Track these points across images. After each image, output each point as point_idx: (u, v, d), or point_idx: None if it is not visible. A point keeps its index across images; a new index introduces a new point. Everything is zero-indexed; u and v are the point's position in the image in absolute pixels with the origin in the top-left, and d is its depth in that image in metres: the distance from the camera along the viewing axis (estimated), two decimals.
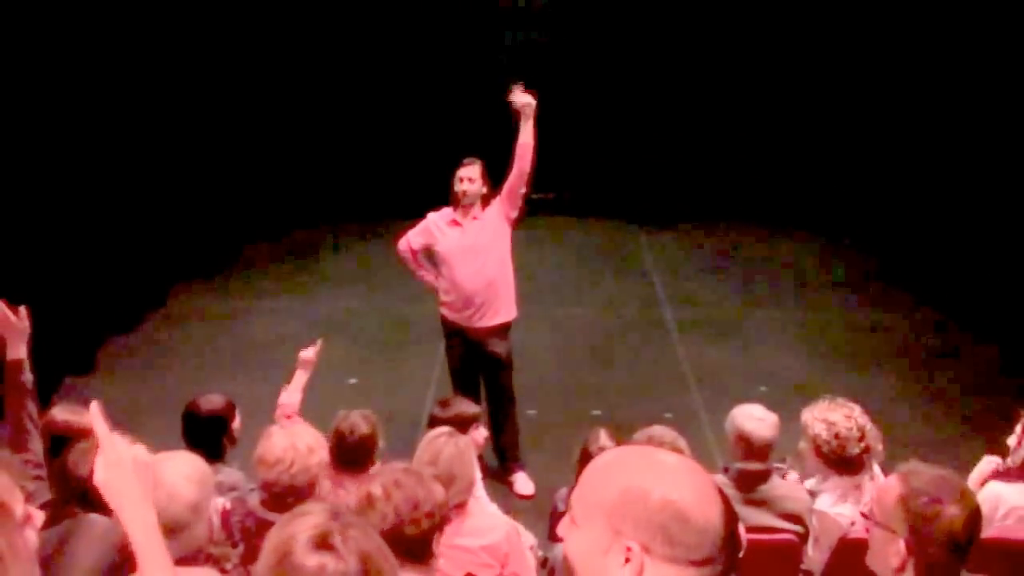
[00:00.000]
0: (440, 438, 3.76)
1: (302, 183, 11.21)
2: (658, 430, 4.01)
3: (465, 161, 6.15)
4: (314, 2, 11.12)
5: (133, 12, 8.49)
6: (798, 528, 4.07)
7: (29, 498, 1.71)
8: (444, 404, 4.93)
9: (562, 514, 3.25)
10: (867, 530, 2.56)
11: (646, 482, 1.52)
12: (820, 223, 11.10)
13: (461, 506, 3.61)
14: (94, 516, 3.38)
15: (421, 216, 6.37)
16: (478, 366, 6.34)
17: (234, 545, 3.46)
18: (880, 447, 4.16)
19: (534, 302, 9.52)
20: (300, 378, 4.89)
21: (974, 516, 2.42)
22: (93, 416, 2.02)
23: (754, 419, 4.24)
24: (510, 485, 6.33)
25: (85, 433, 3.82)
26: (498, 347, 6.25)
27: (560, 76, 11.85)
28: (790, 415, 4.32)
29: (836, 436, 4.03)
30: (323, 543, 1.82)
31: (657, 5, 11.45)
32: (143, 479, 1.99)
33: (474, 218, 6.11)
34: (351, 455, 4.18)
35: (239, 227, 10.56)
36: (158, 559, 1.93)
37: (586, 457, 4.40)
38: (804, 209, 11.21)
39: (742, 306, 9.47)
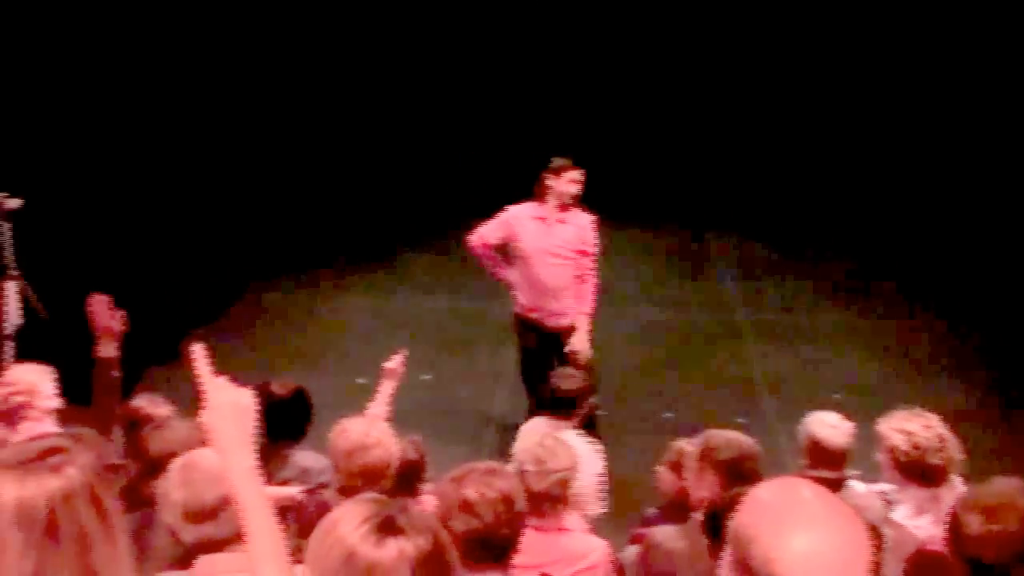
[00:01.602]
0: (540, 430, 3.79)
1: (384, 182, 11.33)
2: (730, 432, 3.93)
3: (570, 164, 6.25)
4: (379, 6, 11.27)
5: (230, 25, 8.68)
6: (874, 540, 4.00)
7: (115, 472, 1.79)
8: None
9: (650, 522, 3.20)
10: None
11: (758, 529, 1.47)
12: (897, 226, 10.91)
13: (556, 500, 3.58)
14: None
15: (487, 215, 6.42)
16: (552, 359, 6.36)
17: (305, 536, 3.52)
18: (960, 457, 4.06)
19: (605, 303, 9.51)
20: (386, 389, 4.92)
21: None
22: (197, 359, 2.06)
23: (828, 426, 4.18)
24: None
25: (161, 422, 3.95)
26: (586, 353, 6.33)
27: (632, 76, 11.85)
28: (864, 423, 4.25)
29: (915, 446, 3.89)
30: (390, 527, 1.76)
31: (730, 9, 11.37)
32: (244, 423, 2.02)
33: (560, 221, 6.13)
34: (401, 481, 4.19)
35: (322, 223, 10.70)
36: (255, 501, 1.94)
37: (675, 467, 4.39)
38: (881, 212, 11.03)
39: (816, 311, 9.34)
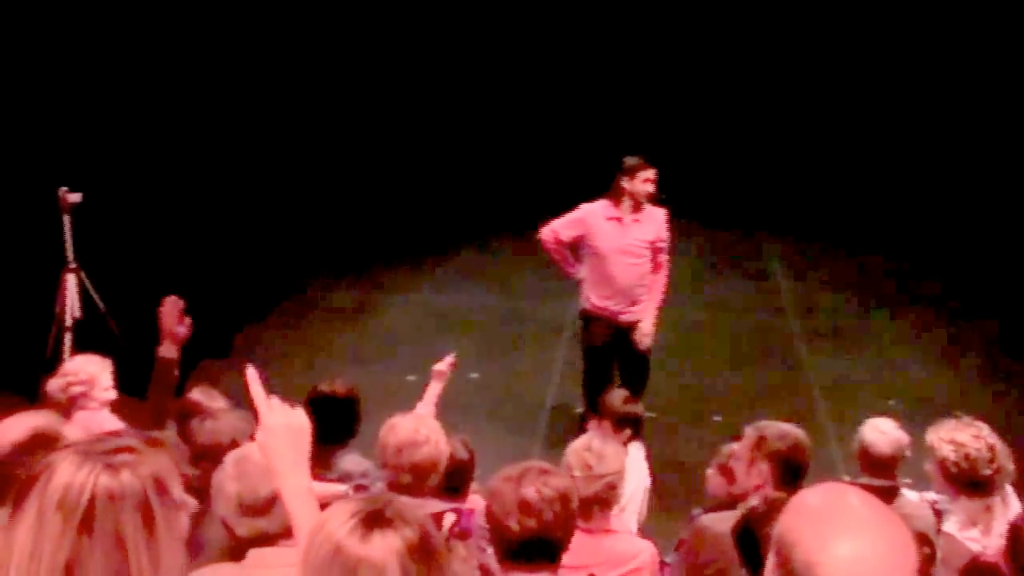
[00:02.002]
0: (590, 435, 3.81)
1: (437, 180, 11.38)
2: (783, 424, 3.91)
3: (646, 163, 6.29)
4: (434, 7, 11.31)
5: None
6: (925, 550, 3.94)
7: (187, 482, 1.79)
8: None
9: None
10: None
11: (802, 534, 1.46)
12: (954, 232, 10.73)
13: (604, 503, 3.59)
14: None
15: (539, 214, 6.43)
16: (619, 353, 6.48)
17: None
18: (1012, 467, 3.97)
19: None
20: (434, 390, 4.93)
21: None
22: (250, 381, 2.12)
23: (881, 433, 4.14)
24: None
25: (212, 413, 4.00)
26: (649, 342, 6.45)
27: (689, 79, 11.80)
28: (918, 430, 4.18)
29: (966, 457, 3.81)
30: (377, 521, 1.74)
31: (791, 11, 11.27)
32: (299, 444, 2.07)
33: (636, 220, 6.20)
34: (450, 480, 4.21)
35: (374, 221, 10.78)
36: (307, 520, 1.94)
37: (724, 470, 4.38)
38: (935, 219, 10.87)
39: (870, 316, 9.21)
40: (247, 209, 8.43)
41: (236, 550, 2.55)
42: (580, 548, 3.00)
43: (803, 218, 11.31)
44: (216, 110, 7.90)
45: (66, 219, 6.68)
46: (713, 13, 11.70)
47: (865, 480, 4.11)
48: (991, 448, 3.86)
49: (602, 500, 3.55)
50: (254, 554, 2.42)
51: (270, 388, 7.06)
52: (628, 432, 4.97)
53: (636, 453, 4.91)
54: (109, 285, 6.96)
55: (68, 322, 6.75)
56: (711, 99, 11.71)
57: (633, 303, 6.39)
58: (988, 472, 3.84)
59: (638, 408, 5.05)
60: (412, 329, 8.49)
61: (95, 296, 6.84)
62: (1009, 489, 3.98)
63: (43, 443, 2.86)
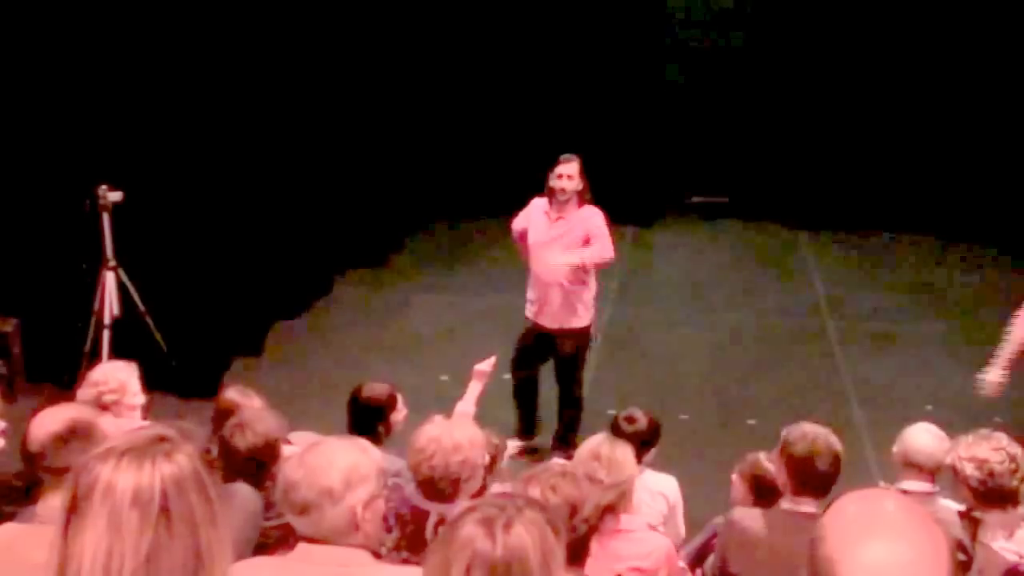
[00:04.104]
0: (599, 440, 3.79)
1: (468, 176, 11.39)
2: (809, 427, 3.85)
3: (563, 158, 6.24)
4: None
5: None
6: (961, 556, 3.90)
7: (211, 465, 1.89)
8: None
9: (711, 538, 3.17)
10: None
11: (832, 531, 1.47)
12: (994, 235, 10.57)
13: (616, 510, 3.59)
14: (238, 484, 3.56)
15: None
16: (545, 356, 6.45)
17: (388, 531, 3.56)
18: None
19: (694, 305, 9.46)
20: (474, 389, 4.92)
21: None
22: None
23: (924, 438, 4.10)
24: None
25: (241, 417, 4.03)
26: (567, 346, 6.37)
27: (725, 79, 11.73)
28: (955, 435, 4.13)
29: (990, 474, 3.76)
30: (485, 522, 1.89)
31: (824, 10, 11.17)
32: None
33: (560, 217, 6.20)
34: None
35: (404, 218, 10.81)
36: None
37: (762, 481, 4.35)
38: (976, 220, 10.71)
39: (908, 319, 9.11)
40: (280, 207, 8.48)
41: (288, 542, 2.57)
42: (593, 551, 3.00)
43: (840, 217, 11.22)
44: (248, 112, 7.95)
45: (105, 217, 6.75)
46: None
47: (905, 485, 4.08)
48: (1013, 458, 3.80)
49: (613, 507, 3.53)
50: (303, 548, 2.44)
51: (301, 386, 7.20)
52: (648, 450, 4.80)
53: (657, 479, 4.78)
54: (145, 284, 7.02)
55: (107, 320, 6.82)
56: (743, 93, 11.63)
57: (552, 310, 6.27)
58: (1014, 484, 3.80)
59: (639, 426, 4.71)
60: (445, 329, 8.51)
61: (134, 295, 6.92)
62: None
63: (80, 434, 2.92)
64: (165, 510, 1.67)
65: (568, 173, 6.15)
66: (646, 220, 11.48)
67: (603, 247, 6.22)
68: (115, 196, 6.70)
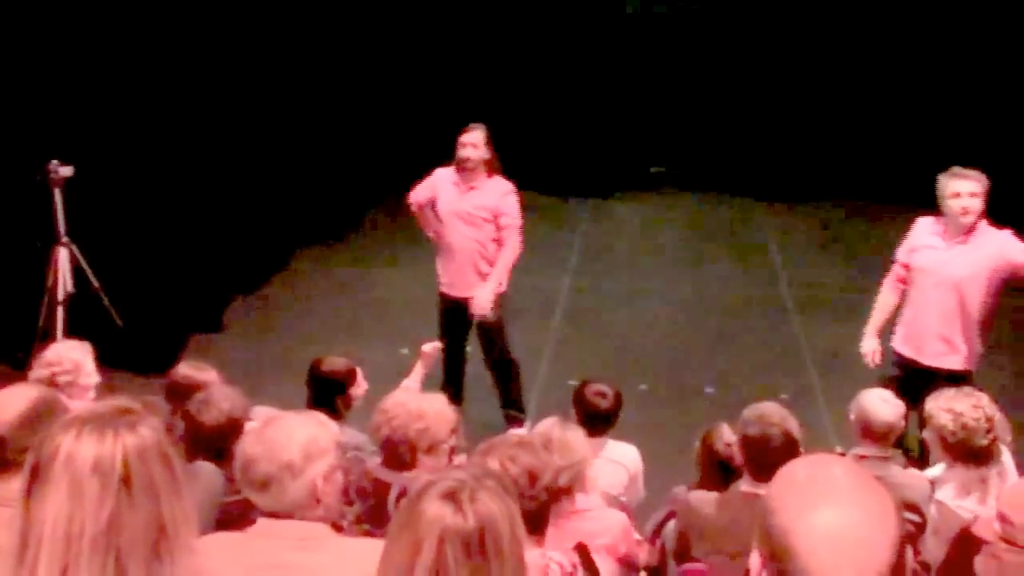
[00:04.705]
0: (550, 424, 3.80)
1: (425, 150, 11.32)
2: (767, 407, 3.87)
3: (469, 127, 6.20)
4: None
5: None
6: (915, 517, 3.97)
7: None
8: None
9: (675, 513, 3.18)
10: (1004, 541, 2.45)
11: (782, 501, 1.46)
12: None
13: (571, 491, 3.59)
14: (200, 462, 3.55)
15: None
16: (467, 322, 6.37)
17: (349, 503, 3.56)
18: (1009, 438, 4.01)
19: (652, 276, 9.52)
20: (419, 371, 4.92)
21: None
22: None
23: (879, 403, 4.16)
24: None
25: (203, 387, 4.00)
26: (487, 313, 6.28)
27: (679, 48, 11.75)
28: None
29: (963, 427, 3.86)
30: (450, 496, 1.87)
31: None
32: None
33: (471, 187, 6.18)
34: None
35: (362, 191, 10.74)
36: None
37: (707, 452, 4.36)
38: (932, 189, 10.83)
39: (864, 287, 9.19)
40: (231, 183, 8.39)
41: (248, 517, 2.56)
42: (550, 536, 3.00)
43: (796, 187, 11.31)
44: (204, 86, 7.84)
45: (56, 193, 6.64)
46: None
47: (861, 450, 4.14)
48: (989, 419, 3.90)
49: (567, 489, 3.53)
50: (264, 523, 2.43)
51: (260, 362, 7.12)
52: (601, 428, 4.80)
53: (618, 449, 4.80)
54: (99, 260, 6.93)
55: (60, 297, 6.73)
56: (700, 64, 11.67)
57: (468, 279, 6.23)
58: (984, 443, 3.89)
59: (607, 403, 4.61)
60: (402, 302, 8.47)
61: (88, 271, 6.82)
62: (1008, 460, 4.01)
63: (47, 413, 2.88)
64: (126, 479, 1.68)
65: (472, 142, 6.13)
66: (604, 192, 11.51)
67: (512, 245, 6.22)
68: (66, 171, 6.59)
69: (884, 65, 11.07)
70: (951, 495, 3.94)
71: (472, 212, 6.17)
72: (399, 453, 3.52)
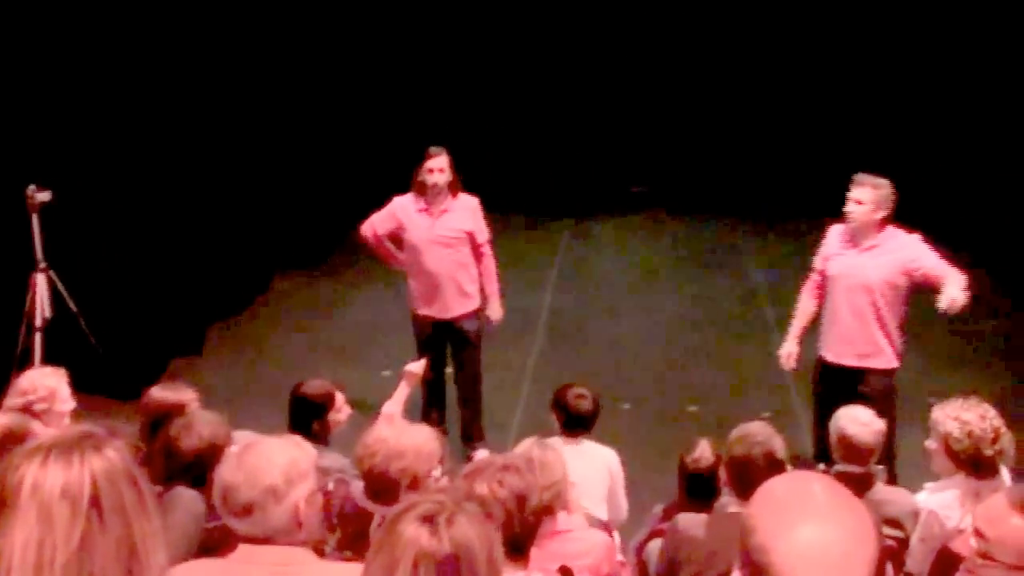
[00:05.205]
0: (529, 445, 3.78)
1: (405, 173, 11.32)
2: (753, 427, 3.89)
3: (432, 151, 6.19)
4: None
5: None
6: (898, 533, 3.97)
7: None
8: None
9: (657, 532, 3.17)
10: (981, 556, 2.45)
11: (761, 519, 1.47)
12: (925, 220, 10.74)
13: (551, 511, 3.58)
14: (180, 489, 3.51)
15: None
16: (447, 343, 6.42)
17: (331, 530, 3.53)
18: (1012, 451, 4.01)
19: (633, 295, 9.53)
20: (403, 391, 4.91)
21: None
22: None
23: (858, 423, 4.17)
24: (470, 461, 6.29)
25: (180, 409, 3.96)
26: (468, 324, 6.36)
27: (660, 68, 11.82)
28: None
29: (969, 435, 3.88)
30: (427, 519, 1.88)
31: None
32: None
33: (444, 211, 6.19)
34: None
35: (343, 214, 10.70)
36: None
37: (684, 470, 4.37)
38: (909, 206, 10.89)
39: None
40: (217, 205, 8.36)
41: (229, 543, 2.54)
42: (533, 557, 2.98)
43: (775, 207, 11.36)
44: (184, 108, 7.83)
45: (34, 218, 6.60)
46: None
47: (841, 468, 4.14)
48: (995, 430, 3.91)
49: (548, 508, 3.52)
50: (245, 549, 2.41)
51: (242, 386, 7.10)
52: (581, 431, 4.81)
53: (597, 451, 4.83)
54: (79, 285, 6.88)
55: (38, 322, 6.68)
56: (681, 85, 11.73)
57: (450, 299, 6.27)
58: (990, 452, 3.89)
59: (587, 405, 4.76)
60: (384, 325, 8.45)
61: (66, 297, 6.77)
62: (1006, 475, 4.01)
63: (16, 441, 2.85)
64: (96, 502, 1.67)
65: (439, 167, 6.12)
66: (586, 211, 11.54)
67: (490, 255, 6.38)
68: (44, 196, 6.55)
69: (864, 86, 11.16)
70: (944, 504, 3.94)
71: (449, 236, 6.20)
72: (380, 489, 3.49)
